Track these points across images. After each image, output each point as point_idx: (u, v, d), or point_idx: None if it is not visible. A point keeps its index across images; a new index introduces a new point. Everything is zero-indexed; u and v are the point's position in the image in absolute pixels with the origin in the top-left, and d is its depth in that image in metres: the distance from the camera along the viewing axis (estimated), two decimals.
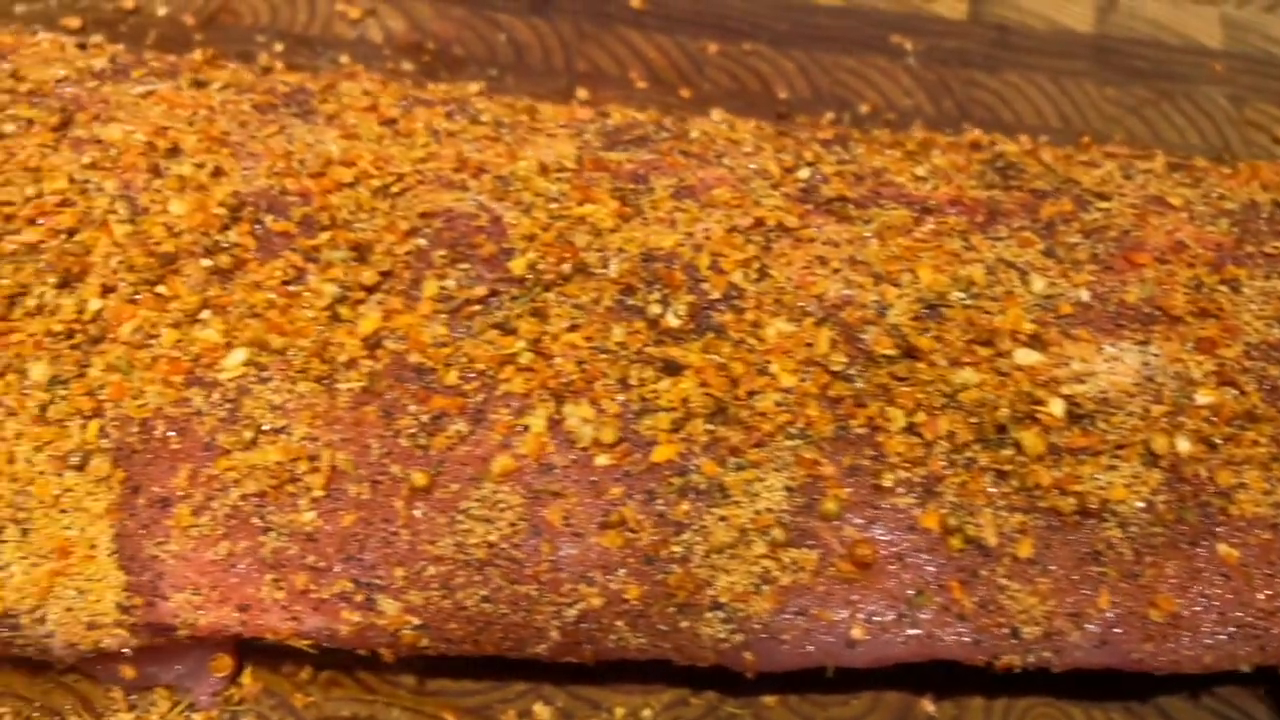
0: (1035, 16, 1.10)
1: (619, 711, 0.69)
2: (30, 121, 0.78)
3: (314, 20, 1.11)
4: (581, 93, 1.04)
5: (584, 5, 1.11)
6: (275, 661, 0.69)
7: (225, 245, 0.70)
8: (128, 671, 0.65)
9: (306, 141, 0.76)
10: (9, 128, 0.78)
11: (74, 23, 1.08)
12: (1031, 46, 1.08)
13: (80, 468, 0.63)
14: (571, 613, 0.60)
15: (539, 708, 0.68)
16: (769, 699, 0.69)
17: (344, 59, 1.06)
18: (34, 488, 0.63)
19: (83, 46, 0.93)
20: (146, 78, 0.83)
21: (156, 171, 0.75)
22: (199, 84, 0.84)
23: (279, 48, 1.06)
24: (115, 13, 1.11)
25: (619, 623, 0.60)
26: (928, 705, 0.70)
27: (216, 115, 0.79)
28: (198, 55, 0.88)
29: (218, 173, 0.74)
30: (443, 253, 0.68)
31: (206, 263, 0.69)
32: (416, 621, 0.60)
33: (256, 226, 0.70)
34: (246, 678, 0.68)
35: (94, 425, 0.64)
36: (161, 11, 1.10)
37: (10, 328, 0.68)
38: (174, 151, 0.75)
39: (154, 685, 0.66)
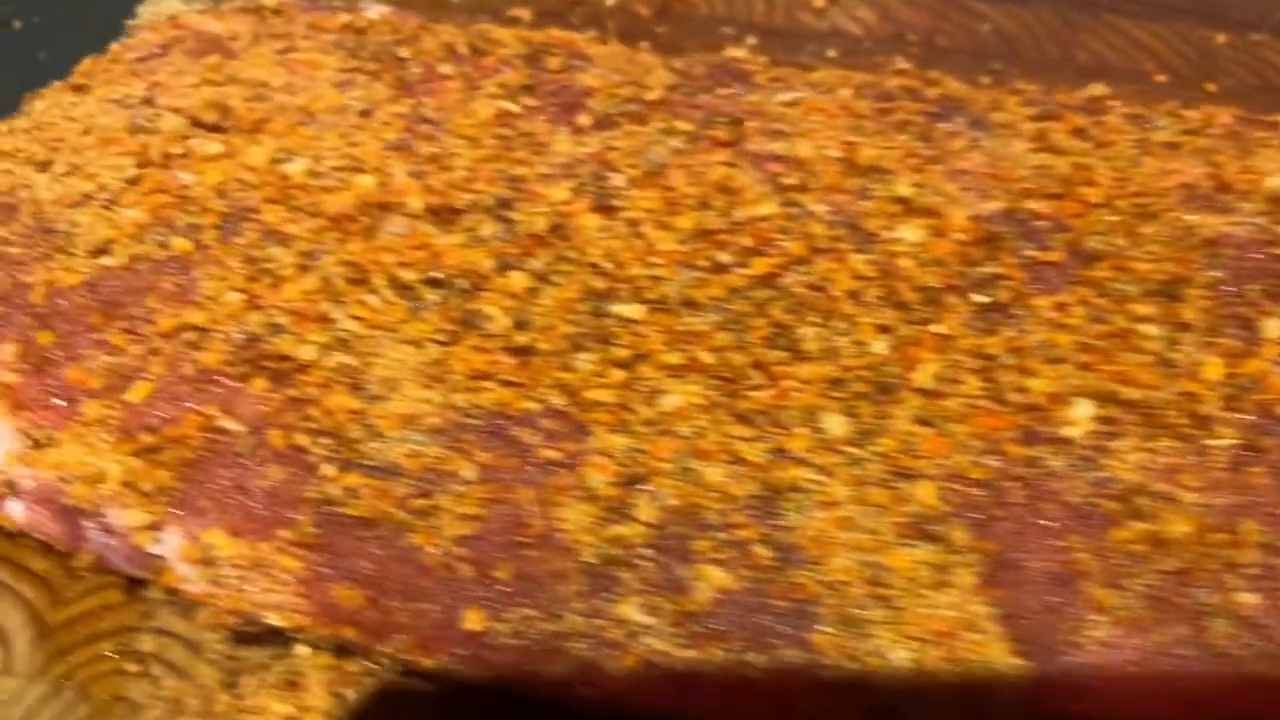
0: None
1: None
2: (693, 135, 0.71)
3: (774, 10, 1.03)
4: (1098, 88, 0.97)
5: None
6: None
7: (989, 278, 0.63)
8: None
9: (1009, 156, 0.69)
10: (675, 143, 0.70)
11: (525, 14, 1.01)
12: None
13: (931, 537, 0.56)
14: None
15: None
16: None
17: (831, 53, 0.99)
18: (883, 558, 0.56)
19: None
20: (773, 83, 0.76)
21: (863, 193, 0.67)
22: (820, 89, 0.76)
23: (751, 40, 0.99)
24: (561, 2, 1.03)
25: None
26: None
27: (884, 127, 0.71)
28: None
29: (936, 193, 0.66)
30: (1255, 286, 0.61)
31: (981, 298, 0.62)
32: None
33: (1017, 256, 0.63)
34: None
35: (927, 487, 0.57)
36: (610, 1, 1.02)
37: (783, 374, 0.60)
38: (874, 170, 0.68)
39: None
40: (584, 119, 0.72)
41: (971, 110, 0.72)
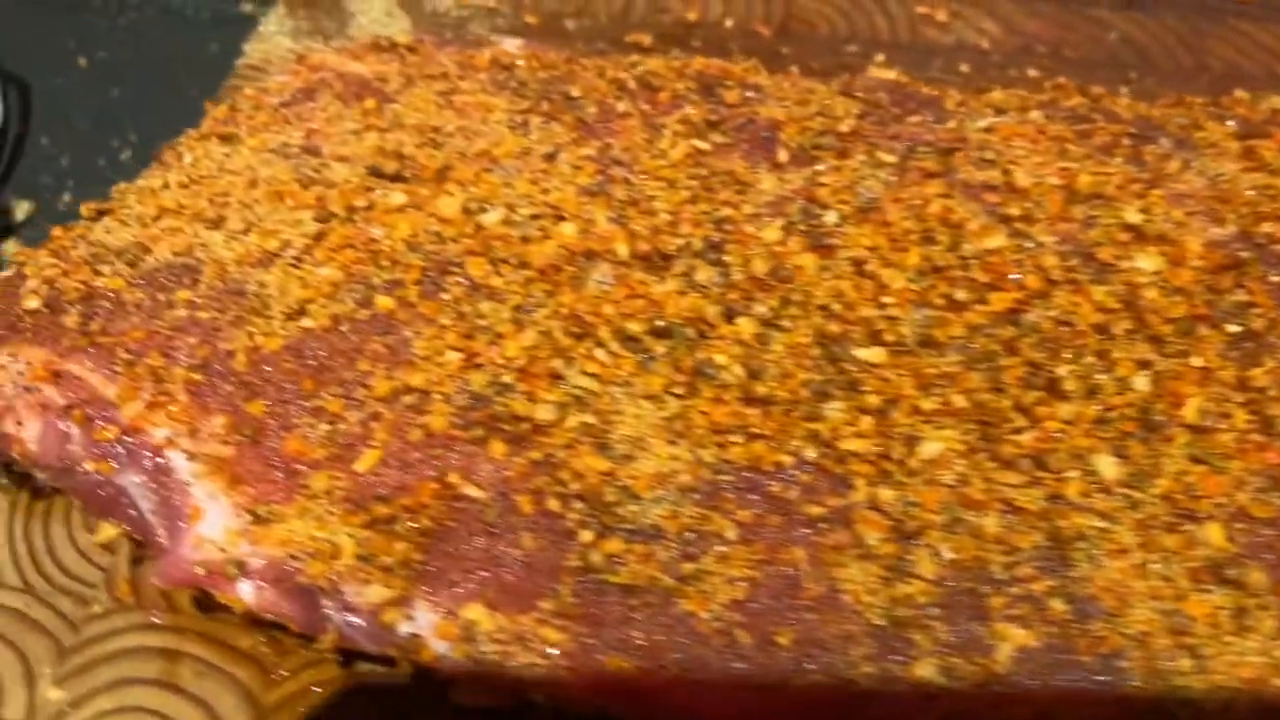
0: None
1: None
2: (898, 167, 0.69)
3: (897, 26, 1.02)
4: (1242, 94, 0.95)
5: None
6: None
7: (1239, 306, 0.61)
8: None
9: (1226, 178, 0.67)
10: (882, 175, 0.68)
11: (645, 40, 0.99)
12: None
13: (1227, 581, 0.54)
14: None
15: None
16: None
17: (964, 68, 0.97)
18: (1182, 606, 0.54)
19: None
20: (959, 108, 0.74)
21: (1090, 221, 0.65)
22: (1009, 113, 0.74)
23: (879, 58, 0.97)
24: (678, 26, 1.01)
25: None
26: None
27: (1090, 151, 0.70)
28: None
29: (1165, 219, 0.65)
30: None
31: (1234, 328, 0.60)
32: None
33: (1263, 282, 0.62)
34: None
35: (1214, 529, 0.55)
36: (729, 23, 1.00)
37: (1044, 415, 0.59)
38: (1096, 197, 0.66)
39: None
40: (782, 154, 0.70)
41: (1171, 130, 0.71)
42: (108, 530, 0.64)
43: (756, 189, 0.68)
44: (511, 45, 0.87)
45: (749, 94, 0.75)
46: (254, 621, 0.64)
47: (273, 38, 0.97)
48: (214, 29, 1.15)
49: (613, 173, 0.70)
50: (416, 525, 0.58)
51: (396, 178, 0.71)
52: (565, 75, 0.78)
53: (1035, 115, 0.73)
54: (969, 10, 1.01)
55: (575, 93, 0.75)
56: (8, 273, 0.70)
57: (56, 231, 0.73)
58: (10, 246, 0.96)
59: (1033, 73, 0.96)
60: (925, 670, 0.53)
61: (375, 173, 0.71)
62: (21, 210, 0.99)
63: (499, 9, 1.00)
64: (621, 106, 0.74)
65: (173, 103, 1.08)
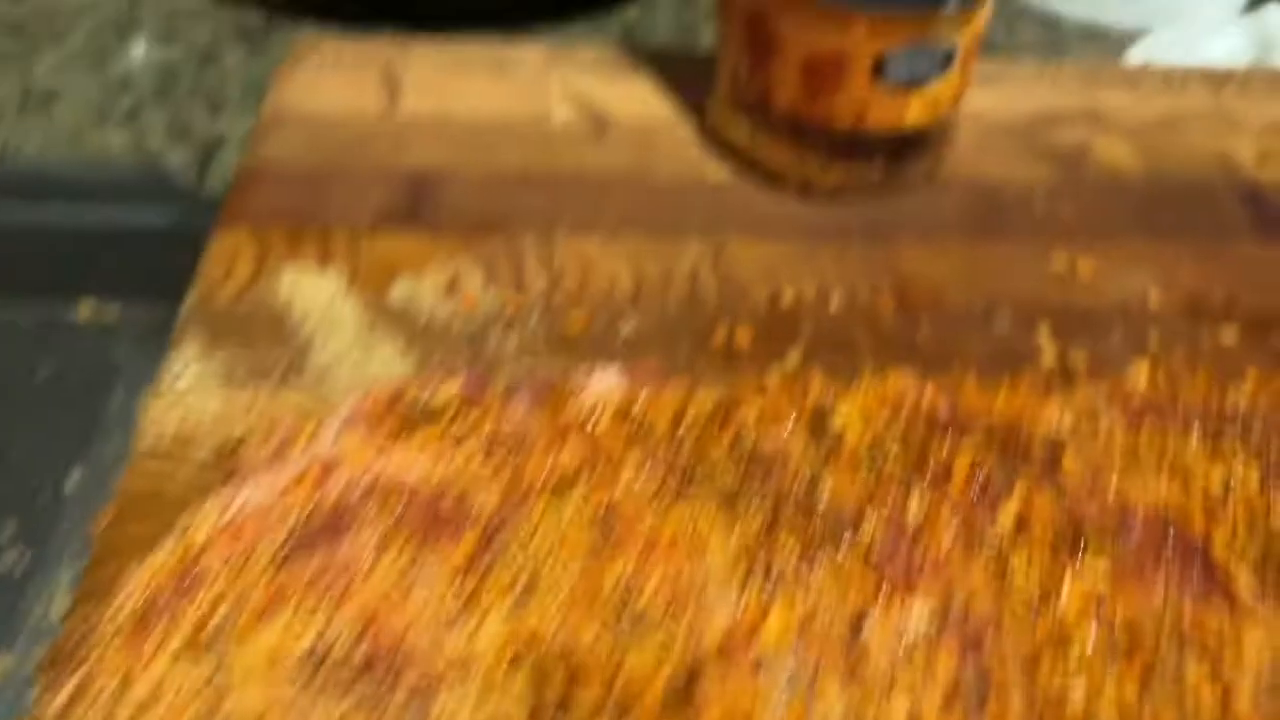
0: None
1: None
2: None
3: (1043, 284, 0.79)
4: None
5: None
6: None
7: None
8: None
9: None
10: None
11: (743, 339, 0.72)
12: None
13: None
14: None
15: None
16: None
17: (1153, 334, 0.74)
18: None
19: None
20: None
21: None
22: None
23: (1044, 329, 0.73)
24: (772, 315, 0.74)
25: None
26: None
27: None
28: None
29: None
30: None
31: None
32: None
33: None
34: None
35: None
36: (835, 302, 0.75)
37: None
38: None
39: None
40: (1243, 578, 0.40)
41: None
42: None
43: (1230, 642, 0.38)
44: (607, 379, 0.56)
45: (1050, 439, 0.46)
46: None
47: (185, 396, 0.61)
48: (43, 342, 0.83)
49: (986, 657, 0.38)
50: None
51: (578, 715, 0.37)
52: (758, 451, 0.47)
53: None
54: (1107, 265, 0.78)
55: (824, 493, 0.44)
56: None
57: None
58: None
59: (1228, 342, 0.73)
60: None
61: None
62: None
63: (520, 315, 0.69)
64: (914, 506, 0.43)
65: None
